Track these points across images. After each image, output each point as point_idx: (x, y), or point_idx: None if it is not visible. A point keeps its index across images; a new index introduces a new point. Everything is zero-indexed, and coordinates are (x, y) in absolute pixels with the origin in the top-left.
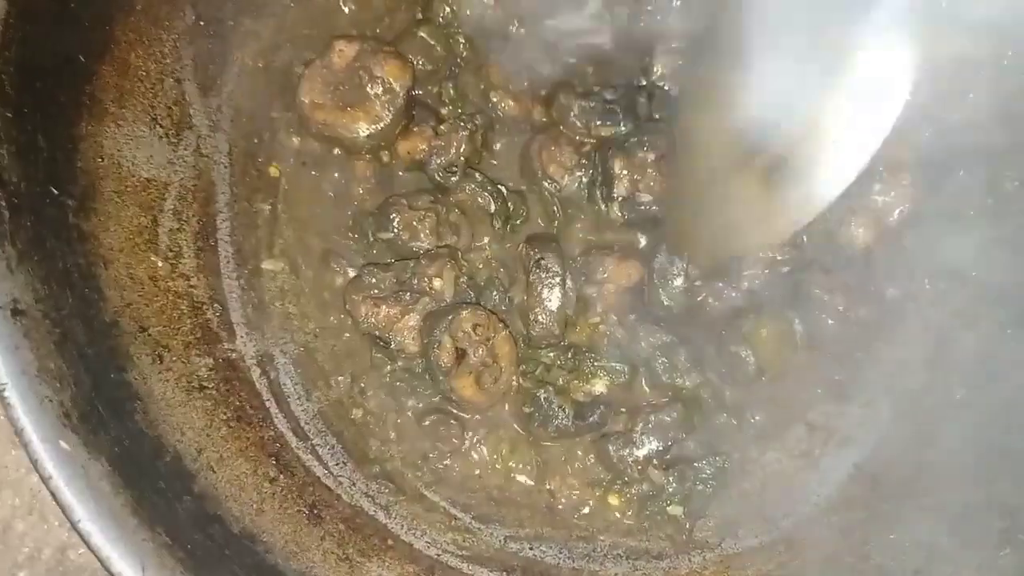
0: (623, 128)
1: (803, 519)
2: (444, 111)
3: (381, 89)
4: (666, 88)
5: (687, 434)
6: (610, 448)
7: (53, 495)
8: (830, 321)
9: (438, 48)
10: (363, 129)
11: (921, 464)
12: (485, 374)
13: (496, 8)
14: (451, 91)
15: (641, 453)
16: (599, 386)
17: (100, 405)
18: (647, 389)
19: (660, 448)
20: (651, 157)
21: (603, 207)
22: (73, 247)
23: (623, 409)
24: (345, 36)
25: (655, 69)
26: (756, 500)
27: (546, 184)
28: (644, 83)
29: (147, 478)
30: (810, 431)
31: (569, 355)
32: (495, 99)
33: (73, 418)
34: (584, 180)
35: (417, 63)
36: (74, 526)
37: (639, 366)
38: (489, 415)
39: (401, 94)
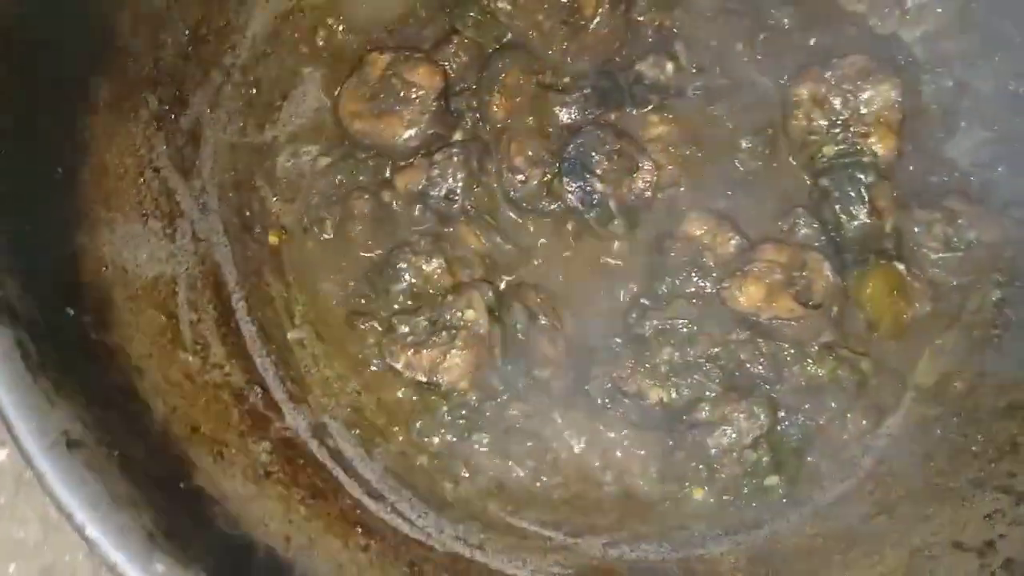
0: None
1: (882, 453)
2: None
3: (414, 94)
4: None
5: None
6: (699, 438)
7: None
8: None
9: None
10: (402, 133)
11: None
12: (557, 334)
13: None
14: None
15: (734, 437)
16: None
17: (181, 517)
18: None
19: (754, 428)
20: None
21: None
22: (104, 364)
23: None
24: (378, 47)
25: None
26: (833, 445)
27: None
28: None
29: None
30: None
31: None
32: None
33: (159, 538)
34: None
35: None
36: None
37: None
38: (559, 419)
39: (433, 97)
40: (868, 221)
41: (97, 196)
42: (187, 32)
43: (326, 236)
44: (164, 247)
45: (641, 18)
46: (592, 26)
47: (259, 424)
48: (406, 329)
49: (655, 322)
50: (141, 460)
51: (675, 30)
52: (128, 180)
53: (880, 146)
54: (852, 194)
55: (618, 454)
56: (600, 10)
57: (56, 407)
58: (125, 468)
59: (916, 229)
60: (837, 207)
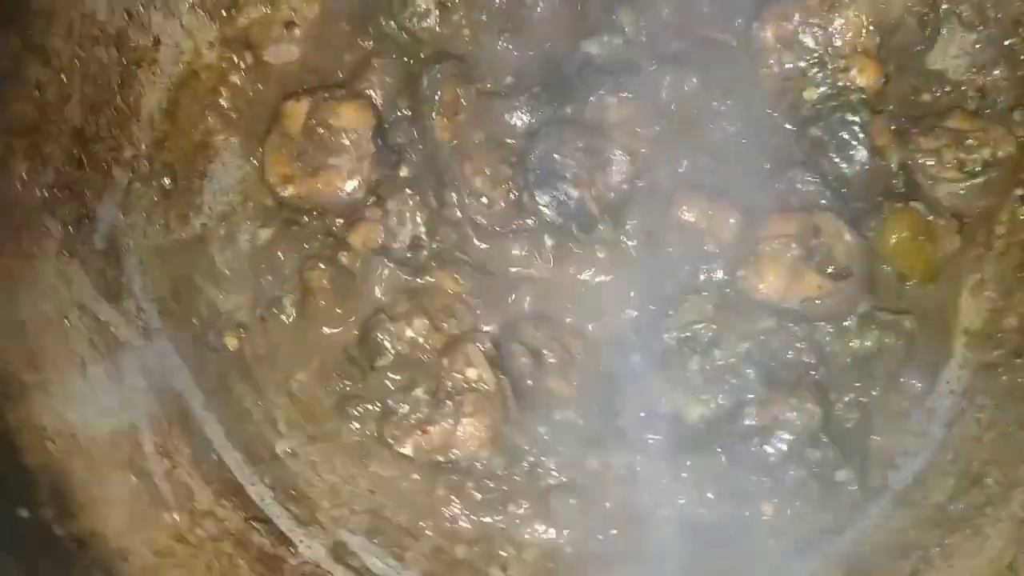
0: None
1: (948, 414)
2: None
3: (345, 139)
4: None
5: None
6: (756, 448)
7: None
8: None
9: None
10: (344, 187)
11: None
12: (567, 365)
13: None
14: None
15: (790, 436)
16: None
17: None
18: None
19: (810, 422)
20: None
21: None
22: (78, 562)
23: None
24: (292, 94)
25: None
26: (895, 417)
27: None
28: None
29: None
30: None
31: None
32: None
33: None
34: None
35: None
36: None
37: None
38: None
39: (367, 137)
40: (870, 163)
41: (19, 361)
42: (72, 135)
43: (288, 319)
44: (113, 394)
45: None
46: (535, 14)
47: (273, 566)
48: (405, 408)
49: (673, 332)
50: None
51: None
52: (51, 330)
53: (863, 77)
54: (847, 137)
55: (667, 484)
56: None
57: None
58: None
59: (924, 160)
60: (834, 156)
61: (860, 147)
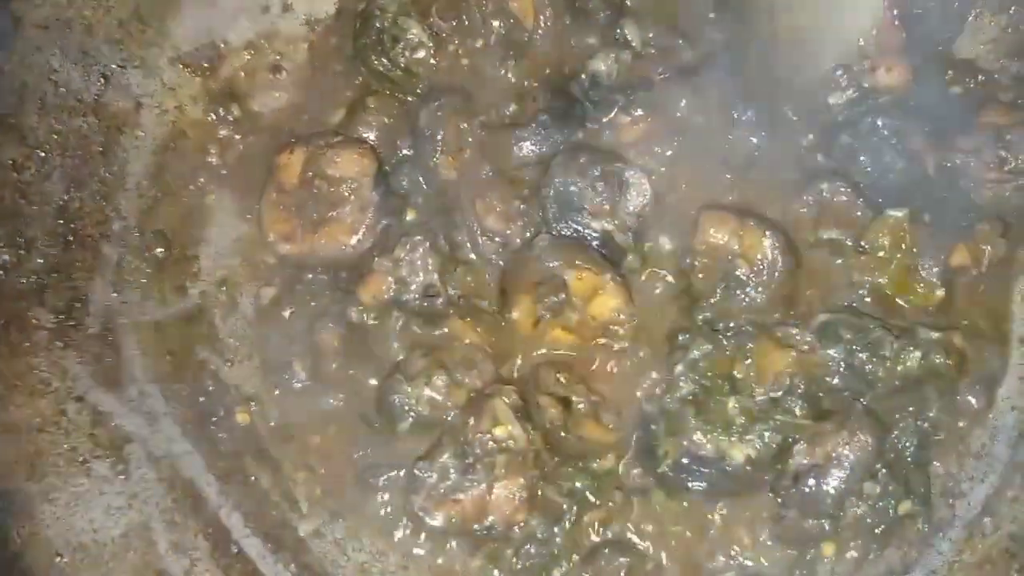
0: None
1: (1013, 431)
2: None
3: (345, 190)
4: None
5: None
6: (810, 488)
7: None
8: None
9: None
10: (348, 241)
11: None
12: (599, 409)
13: None
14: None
15: (846, 471)
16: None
17: None
18: None
19: (864, 454)
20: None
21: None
22: None
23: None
24: (285, 145)
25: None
26: (955, 440)
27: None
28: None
29: None
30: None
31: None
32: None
33: None
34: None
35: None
36: None
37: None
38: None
39: (369, 186)
40: (907, 169)
41: (18, 468)
42: (55, 214)
43: (300, 384)
44: (121, 491)
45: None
46: (536, 37)
47: None
48: (432, 477)
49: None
50: None
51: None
52: (49, 428)
53: (890, 77)
54: (878, 142)
55: (720, 534)
56: (542, 16)
57: None
58: None
59: (963, 161)
60: (866, 163)
61: (894, 152)
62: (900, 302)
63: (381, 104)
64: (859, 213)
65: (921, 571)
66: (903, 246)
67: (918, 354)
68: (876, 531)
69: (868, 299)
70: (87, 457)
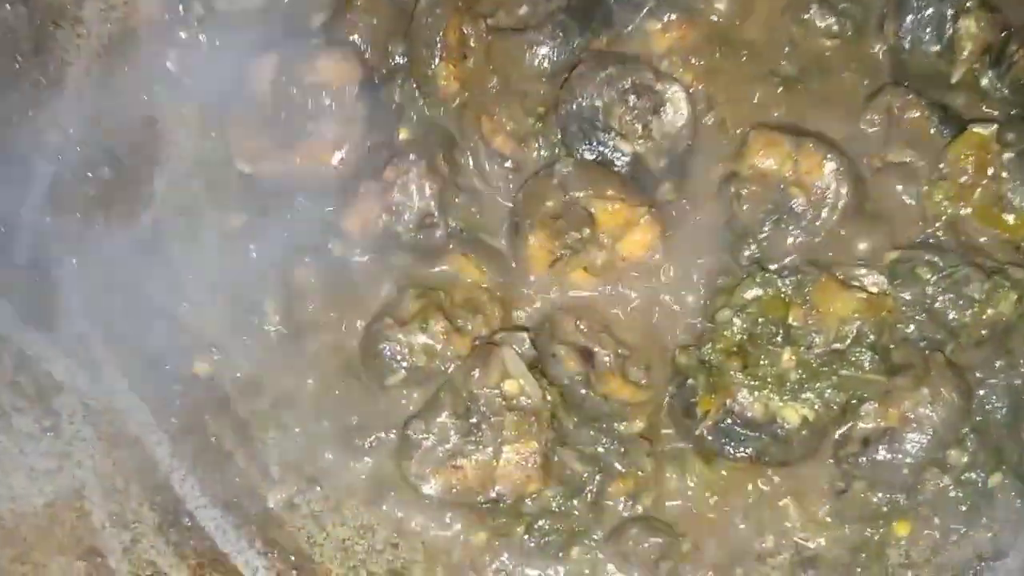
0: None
1: None
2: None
3: (326, 99)
4: None
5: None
6: (881, 457)
7: None
8: None
9: None
10: (330, 160)
11: None
12: (627, 362)
13: None
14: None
15: (925, 437)
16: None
17: None
18: None
19: (952, 417)
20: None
21: None
22: None
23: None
24: (256, 49)
25: None
26: None
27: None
28: None
29: None
30: None
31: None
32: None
33: None
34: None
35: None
36: None
37: None
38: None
39: (353, 94)
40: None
41: None
42: None
43: (271, 329)
44: (48, 451)
45: None
46: None
47: None
48: (428, 439)
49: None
50: None
51: None
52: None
53: None
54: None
55: (770, 510)
56: None
57: None
58: None
59: None
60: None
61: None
62: (985, 238)
63: (370, 3)
64: (934, 131)
65: (1017, 556)
66: (989, 170)
67: (1014, 296)
68: (961, 508)
69: (943, 235)
70: (6, 409)
